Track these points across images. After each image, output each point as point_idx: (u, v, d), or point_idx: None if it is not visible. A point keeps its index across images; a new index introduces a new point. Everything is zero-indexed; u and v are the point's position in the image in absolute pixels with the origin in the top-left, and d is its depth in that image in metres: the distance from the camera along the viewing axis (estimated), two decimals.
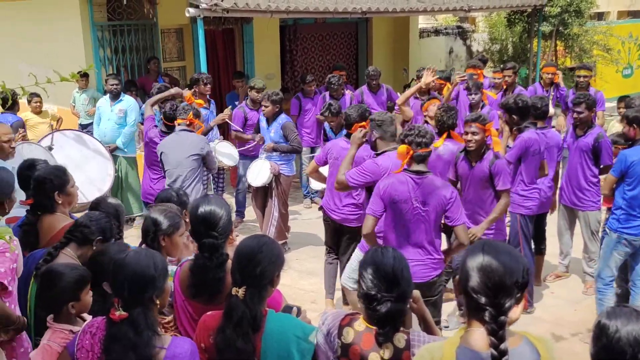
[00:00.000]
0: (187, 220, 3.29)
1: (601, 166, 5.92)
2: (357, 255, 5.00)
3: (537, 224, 6.12)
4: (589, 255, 6.17)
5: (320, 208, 5.89)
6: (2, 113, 7.57)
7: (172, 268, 3.18)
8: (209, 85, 7.96)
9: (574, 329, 5.56)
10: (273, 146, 7.01)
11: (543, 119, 6.01)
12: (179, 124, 6.24)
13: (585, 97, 5.93)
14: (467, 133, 5.09)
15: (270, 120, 7.10)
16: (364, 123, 5.27)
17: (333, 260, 5.87)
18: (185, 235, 3.40)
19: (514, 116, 5.78)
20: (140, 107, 8.30)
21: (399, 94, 9.36)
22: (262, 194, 7.25)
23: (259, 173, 7.10)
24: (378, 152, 4.86)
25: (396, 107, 8.22)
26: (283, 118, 7.12)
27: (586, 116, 5.92)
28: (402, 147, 4.25)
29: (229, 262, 2.96)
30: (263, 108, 7.11)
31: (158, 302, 2.51)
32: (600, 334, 1.99)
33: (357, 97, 8.94)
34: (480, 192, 5.19)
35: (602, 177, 5.84)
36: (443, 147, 5.60)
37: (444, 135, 5.62)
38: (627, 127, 5.26)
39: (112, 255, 3.05)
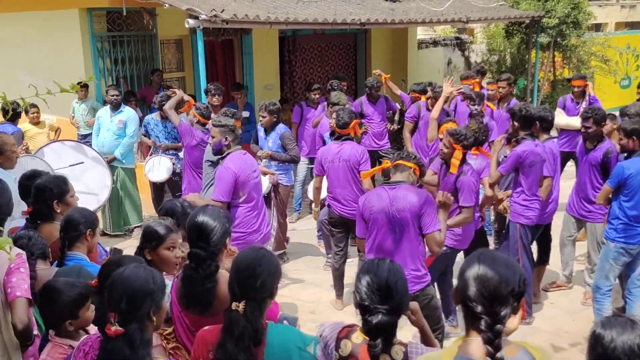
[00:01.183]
0: None
1: None
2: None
3: (543, 234, 6.14)
4: (592, 266, 6.16)
5: (328, 206, 6.15)
6: (1, 124, 7.59)
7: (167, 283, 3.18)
8: (217, 96, 7.97)
9: (573, 339, 5.55)
10: (270, 154, 7.03)
11: (548, 131, 6.00)
12: None
13: (593, 112, 5.93)
14: (442, 141, 5.33)
15: (268, 130, 7.12)
16: (356, 121, 6.09)
17: (340, 261, 6.12)
18: (176, 249, 3.36)
19: (516, 123, 5.80)
20: (140, 118, 8.33)
21: (397, 105, 9.41)
22: None
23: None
24: (224, 154, 5.21)
25: (407, 117, 8.26)
26: (281, 128, 7.14)
27: (594, 131, 5.90)
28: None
29: (224, 273, 2.96)
30: (260, 118, 7.13)
31: (154, 319, 2.47)
32: (596, 343, 1.99)
33: (356, 107, 8.88)
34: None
35: None
36: (474, 161, 5.76)
37: (474, 150, 5.81)
38: (626, 139, 5.25)
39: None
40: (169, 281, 3.23)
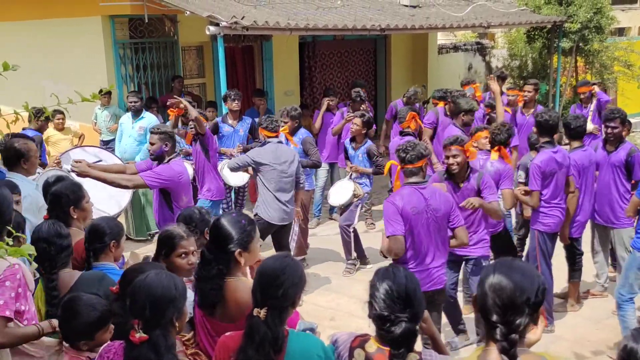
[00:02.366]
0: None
1: (633, 181, 5.83)
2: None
3: (570, 249, 6.07)
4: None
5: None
6: (23, 129, 7.68)
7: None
8: (236, 102, 7.95)
9: (596, 347, 5.47)
10: (361, 169, 7.12)
11: (579, 139, 5.91)
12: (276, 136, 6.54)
13: (619, 112, 5.87)
14: (447, 157, 5.14)
15: (358, 143, 7.23)
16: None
17: None
18: (189, 255, 3.36)
19: (534, 128, 5.74)
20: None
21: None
22: None
23: (341, 191, 7.17)
24: (166, 160, 5.38)
25: (425, 123, 8.24)
26: (303, 133, 7.18)
27: (620, 131, 5.85)
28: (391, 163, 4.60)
29: (243, 280, 2.97)
30: (282, 124, 7.16)
31: (177, 324, 2.49)
32: (628, 358, 1.95)
33: (392, 108, 9.50)
34: (469, 211, 5.15)
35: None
36: (490, 164, 5.74)
37: (496, 150, 5.89)
38: None
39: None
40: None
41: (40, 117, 7.25)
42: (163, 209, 5.42)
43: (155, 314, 2.41)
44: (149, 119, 8.20)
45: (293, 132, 7.15)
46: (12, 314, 2.92)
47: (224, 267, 2.98)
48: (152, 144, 5.41)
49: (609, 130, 5.88)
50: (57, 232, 3.44)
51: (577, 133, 5.87)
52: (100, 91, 2.93)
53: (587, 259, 6.43)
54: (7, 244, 2.26)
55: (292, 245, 7.16)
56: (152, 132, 5.46)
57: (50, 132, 8.67)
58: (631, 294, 5.25)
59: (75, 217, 3.92)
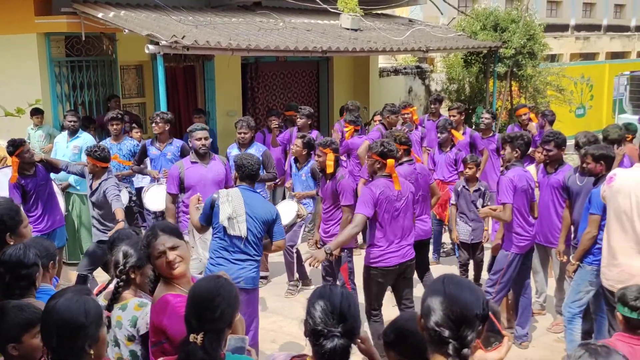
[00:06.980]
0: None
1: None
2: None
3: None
4: (561, 293, 6.16)
5: None
6: None
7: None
8: (160, 125, 7.47)
9: None
10: (304, 194, 7.11)
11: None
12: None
13: (554, 136, 6.05)
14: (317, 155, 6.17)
15: (301, 163, 7.18)
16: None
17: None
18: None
19: (518, 150, 5.73)
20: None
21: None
22: None
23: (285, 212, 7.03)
24: None
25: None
26: (310, 160, 7.13)
27: (555, 154, 6.02)
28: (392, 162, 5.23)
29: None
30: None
31: (92, 352, 2.38)
32: None
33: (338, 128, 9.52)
34: (333, 206, 6.18)
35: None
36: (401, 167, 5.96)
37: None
38: (594, 163, 5.28)
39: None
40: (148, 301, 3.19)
41: None
42: None
43: (62, 343, 2.31)
44: (85, 138, 7.98)
45: (305, 159, 7.17)
46: None
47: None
48: None
49: (545, 153, 6.08)
50: (18, 261, 3.20)
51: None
52: (31, 107, 2.82)
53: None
54: None
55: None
56: None
57: None
58: (580, 308, 5.34)
59: (12, 243, 3.65)
